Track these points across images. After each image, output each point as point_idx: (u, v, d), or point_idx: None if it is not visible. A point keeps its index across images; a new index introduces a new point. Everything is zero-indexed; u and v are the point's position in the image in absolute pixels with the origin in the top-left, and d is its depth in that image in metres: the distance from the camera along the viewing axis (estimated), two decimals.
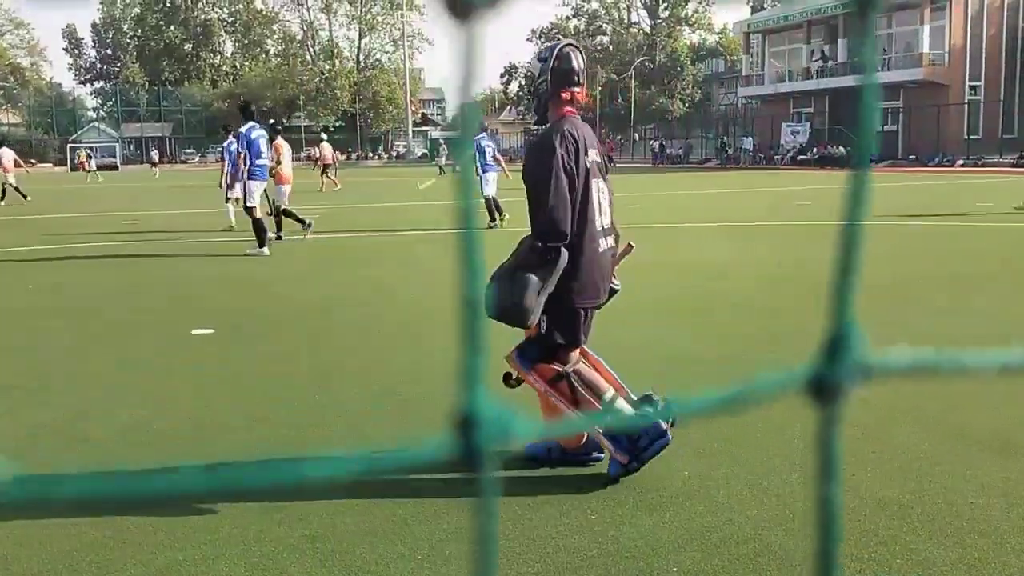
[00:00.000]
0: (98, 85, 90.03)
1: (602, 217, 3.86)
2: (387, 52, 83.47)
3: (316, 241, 13.50)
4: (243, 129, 12.41)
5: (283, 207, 13.47)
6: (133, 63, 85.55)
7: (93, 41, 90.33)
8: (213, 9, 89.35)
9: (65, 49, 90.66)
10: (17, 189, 23.06)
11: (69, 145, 66.20)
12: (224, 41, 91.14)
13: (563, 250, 3.66)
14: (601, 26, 79.71)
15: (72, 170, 57.07)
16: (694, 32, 77.35)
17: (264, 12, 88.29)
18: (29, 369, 5.97)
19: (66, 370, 5.95)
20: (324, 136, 32.39)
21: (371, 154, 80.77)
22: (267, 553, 3.21)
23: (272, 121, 14.21)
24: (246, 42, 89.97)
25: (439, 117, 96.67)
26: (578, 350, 3.91)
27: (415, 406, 4.90)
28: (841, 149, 46.08)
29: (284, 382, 5.55)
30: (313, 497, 3.68)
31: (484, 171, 14.69)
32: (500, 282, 3.66)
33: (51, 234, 15.06)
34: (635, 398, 3.93)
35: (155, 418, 4.81)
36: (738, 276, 9.55)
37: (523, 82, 4.34)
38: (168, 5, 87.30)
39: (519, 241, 3.87)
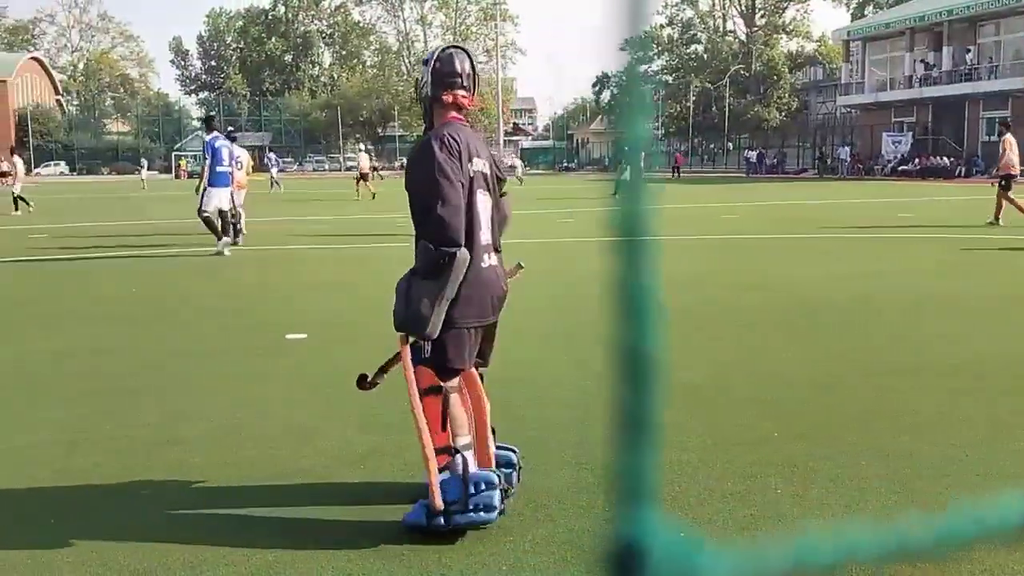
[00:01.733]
0: (203, 95, 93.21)
1: (486, 232, 3.51)
2: (480, 62, 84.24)
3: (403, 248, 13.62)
4: (207, 138, 13.44)
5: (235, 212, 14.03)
6: (236, 74, 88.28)
7: (198, 52, 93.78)
8: (312, 21, 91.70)
9: (172, 61, 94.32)
10: (23, 199, 23.23)
11: (174, 153, 68.60)
12: (323, 52, 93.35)
13: (461, 252, 3.32)
14: (696, 34, 78.88)
15: (176, 177, 59.11)
16: (791, 40, 75.88)
17: (361, 24, 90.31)
18: (128, 371, 6.16)
19: (164, 373, 6.12)
20: (362, 147, 33.14)
21: None
22: (354, 557, 3.24)
23: (231, 129, 15.11)
24: (344, 53, 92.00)
25: (530, 126, 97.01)
26: (460, 377, 3.55)
27: (507, 411, 4.88)
28: (944, 160, 44.57)
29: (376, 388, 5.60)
30: (395, 505, 3.71)
31: None
32: (399, 290, 3.42)
33: (160, 234, 15.58)
34: (496, 449, 3.72)
35: (247, 421, 4.92)
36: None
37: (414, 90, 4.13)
38: (270, 18, 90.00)
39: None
